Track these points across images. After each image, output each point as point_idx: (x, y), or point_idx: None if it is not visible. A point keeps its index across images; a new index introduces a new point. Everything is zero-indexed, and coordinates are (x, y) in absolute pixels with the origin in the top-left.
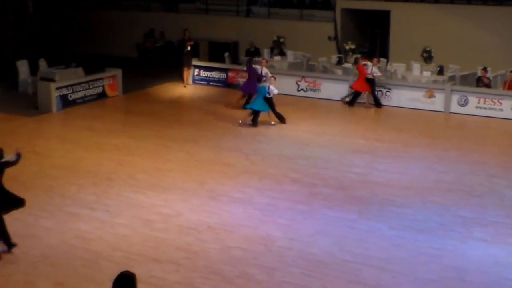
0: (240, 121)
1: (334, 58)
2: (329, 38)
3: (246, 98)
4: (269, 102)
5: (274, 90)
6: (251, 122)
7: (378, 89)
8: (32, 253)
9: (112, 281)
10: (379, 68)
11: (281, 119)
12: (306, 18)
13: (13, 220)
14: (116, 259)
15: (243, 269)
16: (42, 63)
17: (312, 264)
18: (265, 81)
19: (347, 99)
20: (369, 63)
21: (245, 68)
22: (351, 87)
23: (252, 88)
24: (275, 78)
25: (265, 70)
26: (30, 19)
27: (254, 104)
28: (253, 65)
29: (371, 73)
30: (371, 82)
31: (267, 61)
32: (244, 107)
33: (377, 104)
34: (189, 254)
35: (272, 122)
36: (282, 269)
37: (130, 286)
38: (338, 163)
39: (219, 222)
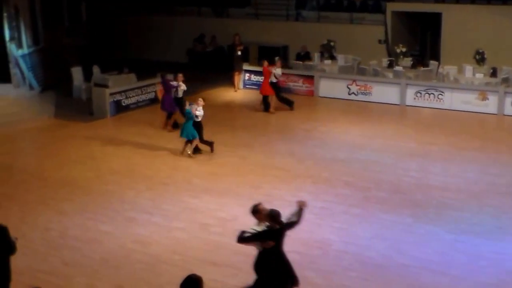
0: (181, 153)
1: (385, 61)
2: (380, 41)
3: (172, 119)
4: (198, 127)
5: (200, 112)
6: (190, 153)
7: (430, 92)
8: (92, 256)
9: (169, 284)
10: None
11: (210, 145)
12: (356, 22)
13: (74, 225)
14: (174, 262)
15: (300, 272)
16: (96, 69)
17: (370, 268)
18: (191, 104)
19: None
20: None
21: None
22: (260, 92)
23: (170, 105)
24: (203, 100)
25: (183, 86)
26: (84, 26)
27: (183, 131)
28: (169, 80)
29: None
30: (274, 86)
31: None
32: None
33: (288, 104)
34: (247, 258)
35: (189, 152)
36: (339, 273)
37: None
38: (391, 167)
39: None
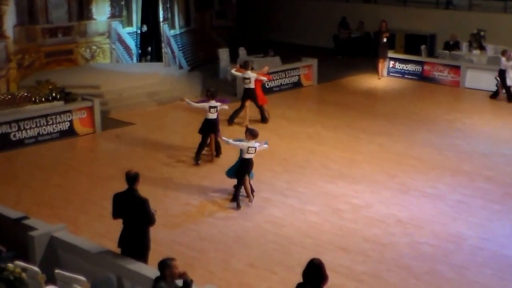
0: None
1: None
2: None
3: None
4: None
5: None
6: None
7: None
8: (227, 233)
9: (299, 266)
10: None
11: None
12: (511, 11)
13: (210, 202)
14: (306, 245)
15: (432, 265)
16: (242, 51)
17: (506, 267)
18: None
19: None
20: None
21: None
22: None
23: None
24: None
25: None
26: (233, 8)
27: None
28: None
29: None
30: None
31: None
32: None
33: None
34: (377, 246)
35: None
36: (473, 269)
37: (318, 273)
38: None
39: (409, 216)
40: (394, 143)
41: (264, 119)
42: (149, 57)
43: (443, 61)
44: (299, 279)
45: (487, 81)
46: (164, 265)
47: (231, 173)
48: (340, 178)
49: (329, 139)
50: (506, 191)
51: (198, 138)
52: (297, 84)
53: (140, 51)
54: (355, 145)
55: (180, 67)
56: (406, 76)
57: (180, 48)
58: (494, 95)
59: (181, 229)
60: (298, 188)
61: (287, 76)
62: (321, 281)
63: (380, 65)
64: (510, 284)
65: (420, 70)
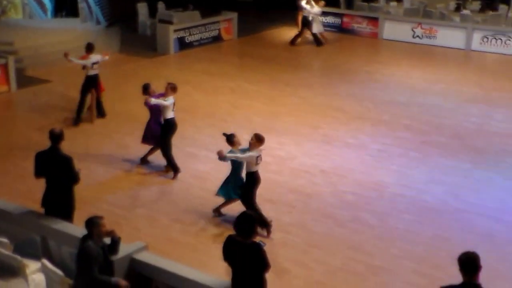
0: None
1: (453, 4)
2: None
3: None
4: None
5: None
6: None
7: (497, 37)
8: (153, 189)
9: (224, 221)
10: None
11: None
12: None
13: (138, 159)
14: None
15: (355, 213)
16: (161, 6)
17: (424, 212)
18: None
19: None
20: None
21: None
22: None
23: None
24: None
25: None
26: None
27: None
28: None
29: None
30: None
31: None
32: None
33: (100, 112)
34: (302, 197)
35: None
36: (394, 215)
37: (250, 225)
38: (452, 112)
39: (332, 166)
40: (316, 95)
41: (101, 113)
42: (64, 12)
43: (361, 13)
44: (226, 232)
45: (404, 32)
46: (92, 223)
47: (228, 193)
48: (263, 131)
49: (252, 92)
50: (423, 139)
51: (114, 92)
52: (217, 38)
53: (54, 6)
54: (278, 98)
55: (98, 22)
56: (325, 28)
57: (97, 3)
58: (293, 41)
59: (106, 187)
60: (223, 142)
61: (207, 30)
62: (252, 233)
63: (299, 18)
64: (427, 228)
65: (340, 22)
